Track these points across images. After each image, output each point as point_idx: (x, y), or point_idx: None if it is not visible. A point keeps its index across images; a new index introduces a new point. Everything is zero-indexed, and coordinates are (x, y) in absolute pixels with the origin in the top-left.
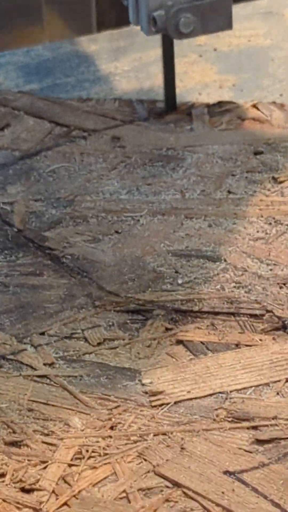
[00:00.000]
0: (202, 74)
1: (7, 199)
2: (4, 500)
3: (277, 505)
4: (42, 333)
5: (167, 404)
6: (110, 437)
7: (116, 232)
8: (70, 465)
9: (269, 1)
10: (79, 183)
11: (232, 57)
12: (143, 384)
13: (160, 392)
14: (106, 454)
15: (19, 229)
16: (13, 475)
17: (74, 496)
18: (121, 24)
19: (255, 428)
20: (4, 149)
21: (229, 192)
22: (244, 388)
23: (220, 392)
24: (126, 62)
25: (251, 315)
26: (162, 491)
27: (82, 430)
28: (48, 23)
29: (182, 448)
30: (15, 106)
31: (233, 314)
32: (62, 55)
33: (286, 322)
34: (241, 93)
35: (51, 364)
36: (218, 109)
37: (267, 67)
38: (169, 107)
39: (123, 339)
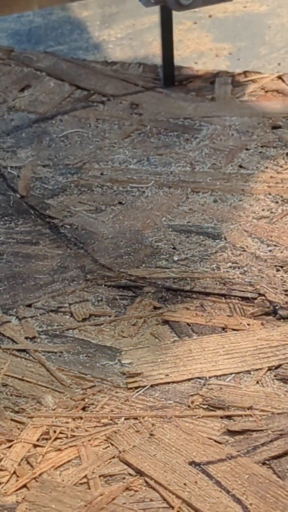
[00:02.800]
0: (198, 42)
1: (15, 163)
2: None
3: (238, 501)
4: (29, 305)
5: (143, 387)
6: (81, 418)
7: (119, 203)
8: (35, 446)
9: None
10: (89, 150)
11: (227, 24)
12: (122, 364)
13: (138, 374)
14: (74, 436)
15: (22, 195)
16: None
17: (34, 478)
18: None
19: (228, 417)
20: (21, 111)
21: (240, 166)
22: (224, 375)
23: (198, 378)
24: (119, 29)
25: (243, 298)
26: (124, 478)
27: (53, 410)
28: None
29: (151, 435)
30: (37, 67)
31: (224, 295)
32: (53, 22)
33: (277, 307)
34: (237, 62)
35: (32, 338)
36: (243, 79)
37: (263, 34)
38: (167, 79)
39: (109, 316)
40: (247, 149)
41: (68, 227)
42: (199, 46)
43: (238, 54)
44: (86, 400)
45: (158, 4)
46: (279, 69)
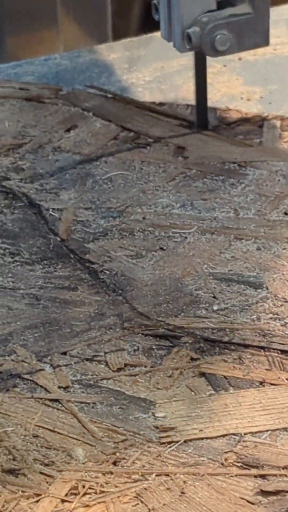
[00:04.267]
0: (228, 85)
1: (57, 205)
2: None
3: None
4: (64, 353)
5: (176, 442)
6: (111, 473)
7: (161, 248)
8: (63, 501)
9: None
10: (133, 193)
11: (257, 67)
12: (155, 418)
13: (171, 429)
14: (103, 492)
15: (62, 238)
16: (3, 506)
17: None
18: (138, 30)
19: (263, 476)
20: (66, 151)
21: (285, 213)
22: (260, 432)
23: (233, 434)
24: (147, 72)
25: (282, 351)
26: None
27: (84, 463)
28: (63, 29)
29: (182, 493)
30: (85, 107)
31: (263, 348)
32: (81, 64)
33: None
34: (269, 106)
35: (66, 388)
36: None
37: None
38: (200, 124)
39: (145, 366)
40: None
41: (108, 272)
42: (229, 90)
43: (269, 98)
44: (117, 454)
45: (194, 49)
46: None
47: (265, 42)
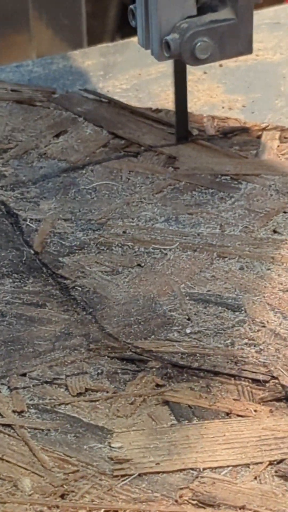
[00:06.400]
0: (209, 93)
1: (36, 215)
2: None
3: None
4: (23, 375)
5: (130, 475)
6: (57, 507)
7: (138, 265)
8: None
9: (275, 11)
10: (116, 205)
11: (239, 74)
12: (111, 448)
13: (127, 461)
14: None
15: (36, 251)
16: None
17: None
18: (113, 32)
19: None
20: (52, 158)
21: (274, 231)
22: (220, 467)
23: (191, 469)
24: (124, 79)
25: (253, 380)
26: None
27: (29, 495)
28: (35, 34)
29: None
30: (77, 112)
31: (233, 376)
32: (54, 72)
33: None
34: (252, 115)
35: (20, 412)
36: None
37: (278, 85)
38: (180, 136)
39: (107, 392)
40: (284, 212)
41: (79, 289)
42: (210, 98)
43: (252, 107)
44: (66, 486)
45: (173, 57)
46: None
47: (249, 50)
